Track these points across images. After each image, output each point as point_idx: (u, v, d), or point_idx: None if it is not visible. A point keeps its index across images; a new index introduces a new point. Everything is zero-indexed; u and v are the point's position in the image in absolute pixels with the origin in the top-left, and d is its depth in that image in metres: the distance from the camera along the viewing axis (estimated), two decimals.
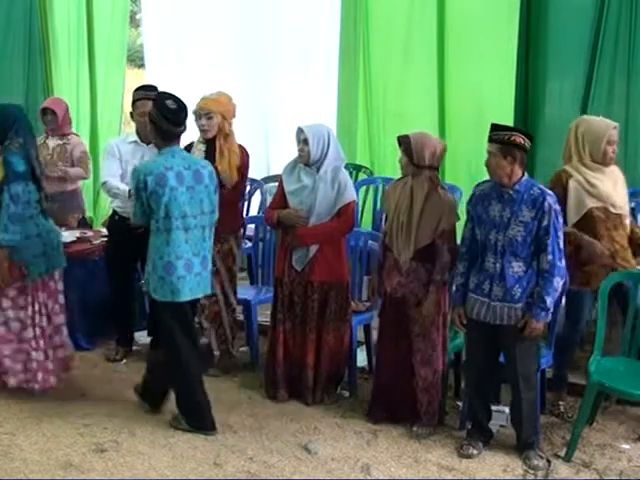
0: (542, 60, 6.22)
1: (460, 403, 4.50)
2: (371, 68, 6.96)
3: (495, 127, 3.92)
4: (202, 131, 4.79)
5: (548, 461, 4.03)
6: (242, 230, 5.18)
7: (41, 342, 4.60)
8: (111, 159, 5.14)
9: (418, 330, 4.22)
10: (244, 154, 4.88)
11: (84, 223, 6.22)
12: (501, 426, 4.32)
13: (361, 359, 5.00)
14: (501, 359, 4.11)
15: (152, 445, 4.14)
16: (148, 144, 5.06)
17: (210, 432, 4.26)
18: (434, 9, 6.55)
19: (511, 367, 4.03)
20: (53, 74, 7.74)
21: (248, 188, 6.32)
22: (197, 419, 4.28)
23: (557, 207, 3.87)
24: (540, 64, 6.23)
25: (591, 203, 4.29)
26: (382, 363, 4.41)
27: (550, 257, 3.84)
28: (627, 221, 4.44)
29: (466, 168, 6.30)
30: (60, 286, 4.71)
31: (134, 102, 5.12)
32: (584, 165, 4.35)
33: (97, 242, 5.54)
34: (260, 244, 5.58)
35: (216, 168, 4.74)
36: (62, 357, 4.72)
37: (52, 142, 5.94)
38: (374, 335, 4.73)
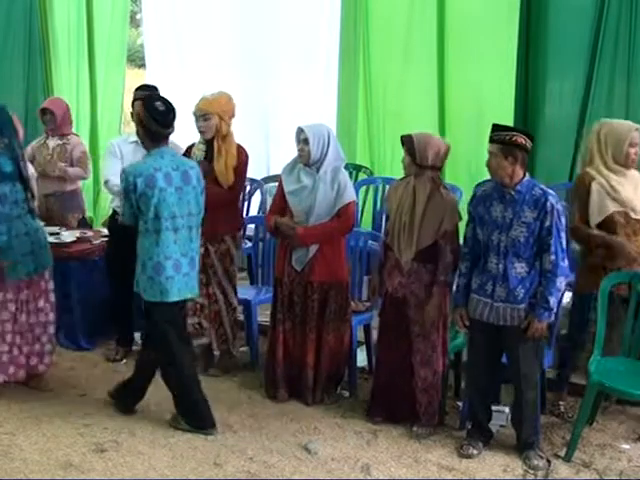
0: (542, 60, 6.22)
1: (460, 403, 4.50)
2: (371, 68, 6.96)
3: (496, 127, 3.92)
4: (200, 132, 4.81)
5: (548, 461, 4.03)
6: (241, 230, 5.17)
7: (17, 338, 4.60)
8: (113, 158, 5.14)
9: (418, 331, 4.22)
10: (242, 154, 4.87)
11: (84, 223, 6.22)
12: (501, 426, 4.32)
13: (361, 359, 5.00)
14: (504, 359, 4.11)
15: (152, 445, 4.14)
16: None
17: (210, 431, 4.26)
18: (434, 9, 6.55)
19: (514, 367, 4.02)
20: (53, 74, 7.74)
21: (248, 188, 6.34)
22: (196, 418, 4.28)
23: (559, 207, 3.87)
24: (540, 64, 6.23)
25: (613, 207, 4.26)
26: (382, 363, 4.41)
27: (553, 257, 3.83)
28: None
29: (466, 168, 6.30)
30: (51, 285, 4.71)
31: (134, 102, 5.11)
32: (607, 168, 4.32)
33: (97, 242, 5.54)
34: (260, 244, 5.58)
35: (213, 168, 4.77)
36: (40, 352, 4.70)
37: (52, 142, 5.94)
38: (374, 335, 4.73)
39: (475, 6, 6.48)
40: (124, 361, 5.26)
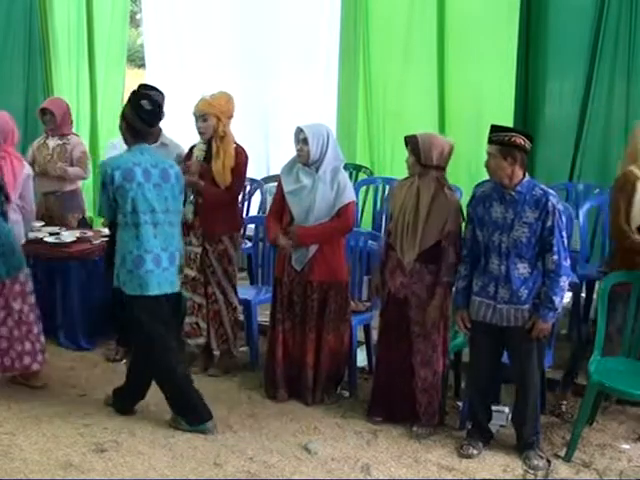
0: (542, 60, 6.23)
1: (460, 403, 4.50)
2: (371, 68, 6.96)
3: (495, 128, 3.91)
4: (199, 133, 4.83)
5: (548, 461, 4.02)
6: (240, 231, 5.17)
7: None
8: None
9: (419, 331, 4.22)
10: (242, 155, 4.86)
11: (84, 223, 6.22)
12: (501, 426, 4.32)
13: (361, 359, 5.00)
14: (504, 359, 4.11)
15: (152, 445, 4.14)
16: (150, 144, 5.05)
17: (209, 424, 4.26)
18: (434, 9, 6.56)
19: (516, 367, 4.02)
20: (53, 74, 7.75)
21: (248, 188, 6.34)
22: (192, 414, 4.28)
23: (560, 207, 3.87)
24: (540, 64, 6.24)
25: None
26: (382, 363, 4.40)
27: (556, 257, 3.83)
28: None
29: (466, 168, 6.30)
30: (28, 287, 4.65)
31: None
32: None
33: (97, 242, 5.54)
34: (260, 244, 5.58)
35: (211, 168, 4.77)
36: (31, 351, 4.67)
37: (52, 142, 5.94)
38: (374, 335, 4.73)
39: (475, 6, 6.48)
40: (124, 361, 5.25)
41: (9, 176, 4.67)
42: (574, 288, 5.03)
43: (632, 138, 4.47)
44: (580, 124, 6.15)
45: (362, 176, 6.93)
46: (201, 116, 4.76)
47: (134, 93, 4.30)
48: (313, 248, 4.50)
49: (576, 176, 6.22)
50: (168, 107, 5.24)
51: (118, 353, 5.29)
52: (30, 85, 7.81)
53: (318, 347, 4.57)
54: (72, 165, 5.95)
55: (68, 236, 5.48)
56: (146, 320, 4.19)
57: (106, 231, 5.60)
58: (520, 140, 3.85)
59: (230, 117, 4.81)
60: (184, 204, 4.84)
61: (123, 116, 4.18)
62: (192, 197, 4.87)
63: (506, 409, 4.32)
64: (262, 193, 6.54)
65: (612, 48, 5.97)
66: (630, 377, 4.09)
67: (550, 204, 3.82)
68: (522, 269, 3.89)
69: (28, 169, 4.89)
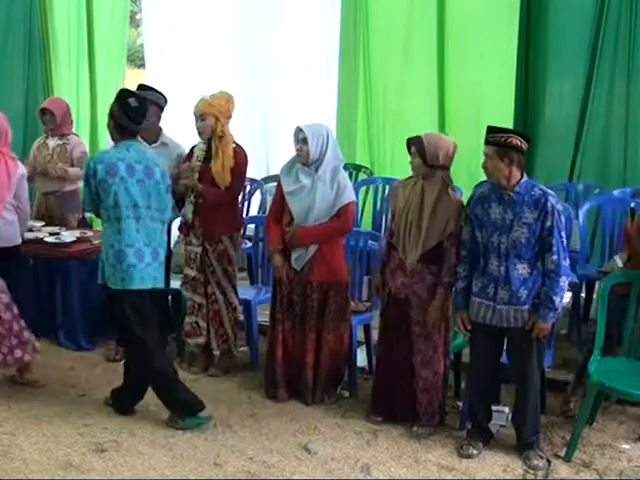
0: (542, 60, 6.24)
1: (460, 403, 4.50)
2: (371, 68, 6.97)
3: (491, 129, 3.91)
4: (198, 133, 4.84)
5: (548, 461, 4.02)
6: (240, 231, 5.16)
7: None
8: None
9: (419, 331, 4.22)
10: (241, 155, 4.86)
11: (84, 223, 6.22)
12: (501, 426, 4.32)
13: (361, 359, 5.00)
14: (503, 359, 4.11)
15: (152, 445, 4.14)
16: (150, 144, 5.07)
17: (202, 415, 4.29)
18: (434, 9, 6.56)
19: (516, 368, 4.02)
20: (53, 74, 7.74)
21: (248, 188, 6.33)
22: (183, 406, 4.30)
23: (559, 207, 3.86)
24: (540, 64, 6.25)
25: None
26: (382, 363, 4.40)
27: (555, 257, 3.83)
28: None
29: (466, 168, 6.30)
30: None
31: None
32: None
33: (97, 242, 5.52)
34: (260, 244, 5.58)
35: (210, 169, 4.77)
36: (19, 344, 4.66)
37: (52, 142, 5.94)
38: (374, 335, 4.73)
39: (475, 6, 6.49)
40: (124, 361, 5.25)
41: (3, 176, 4.67)
42: (574, 288, 5.04)
43: None
44: (580, 124, 6.16)
45: (362, 176, 6.93)
46: (200, 116, 4.78)
47: (121, 91, 4.37)
48: (313, 248, 4.50)
49: (576, 176, 6.22)
50: (168, 107, 5.26)
51: (118, 353, 5.29)
52: (30, 85, 7.81)
53: (318, 347, 4.57)
54: (72, 165, 5.95)
55: (68, 236, 5.48)
56: (131, 314, 4.22)
57: None
58: (517, 141, 3.85)
59: (229, 117, 4.81)
60: (178, 204, 4.86)
61: (111, 114, 4.25)
62: (192, 197, 4.87)
63: (506, 409, 4.32)
64: (262, 193, 6.54)
65: (612, 48, 5.97)
66: (630, 377, 4.09)
67: (549, 204, 3.82)
68: (521, 270, 3.89)
69: (22, 169, 4.89)
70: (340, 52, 7.02)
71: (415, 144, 4.16)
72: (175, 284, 5.23)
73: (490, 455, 4.10)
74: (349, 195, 4.51)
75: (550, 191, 3.92)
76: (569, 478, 3.93)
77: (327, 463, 4.02)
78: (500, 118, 5.75)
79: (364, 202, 6.73)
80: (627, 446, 4.22)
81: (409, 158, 4.24)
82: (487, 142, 3.89)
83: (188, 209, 4.88)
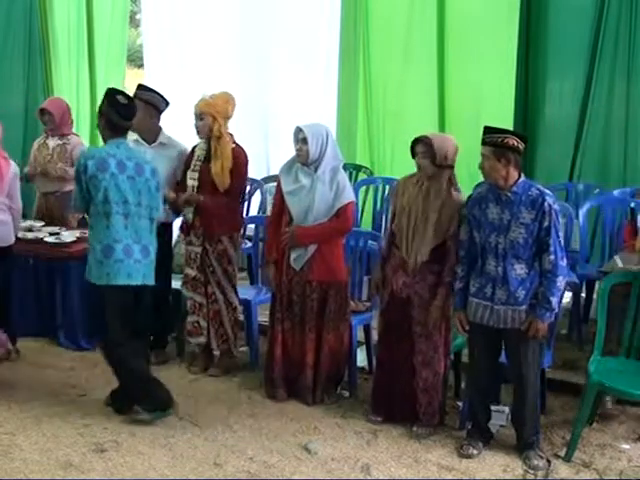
0: (542, 60, 6.24)
1: (460, 403, 4.50)
2: (371, 68, 6.97)
3: (488, 130, 3.90)
4: (196, 132, 4.84)
5: (548, 461, 4.02)
6: (240, 231, 5.16)
7: None
8: None
9: (421, 331, 4.21)
10: (241, 156, 4.85)
11: (84, 223, 6.19)
12: (501, 426, 4.32)
13: (361, 359, 5.00)
14: (502, 359, 4.11)
15: (152, 445, 4.14)
16: (150, 143, 5.07)
17: (169, 411, 4.31)
18: (434, 9, 6.56)
19: (514, 368, 4.02)
20: (53, 74, 7.75)
21: (248, 188, 6.32)
22: (156, 405, 4.32)
23: (557, 207, 3.86)
24: (540, 64, 6.25)
25: None
26: (383, 363, 4.40)
27: (552, 257, 3.83)
28: None
29: (466, 168, 6.28)
30: None
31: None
32: None
33: None
34: (260, 244, 5.58)
35: (210, 169, 4.77)
36: None
37: (52, 142, 5.94)
38: (374, 335, 4.73)
39: (475, 6, 6.49)
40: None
41: None
42: (574, 288, 5.03)
43: None
44: (580, 124, 6.15)
45: (362, 176, 6.93)
46: (199, 115, 4.78)
47: (109, 90, 4.40)
48: (312, 248, 4.50)
49: (576, 176, 6.22)
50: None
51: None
52: (30, 85, 7.82)
53: (318, 347, 4.57)
54: (72, 165, 5.94)
55: (68, 236, 5.48)
56: (109, 310, 4.24)
57: None
58: (513, 141, 3.84)
59: (227, 118, 4.80)
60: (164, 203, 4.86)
61: (100, 112, 4.28)
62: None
63: (506, 409, 4.32)
64: (262, 193, 6.54)
65: (612, 48, 5.97)
66: (630, 377, 4.08)
67: (546, 204, 3.82)
68: (519, 270, 3.89)
69: (15, 168, 4.90)
70: (340, 52, 7.01)
71: (424, 145, 4.13)
72: (176, 284, 5.23)
73: (490, 455, 4.10)
74: (348, 195, 4.51)
75: (547, 191, 3.92)
76: (569, 478, 3.93)
77: (327, 463, 4.02)
78: (500, 118, 5.75)
79: (364, 202, 6.73)
80: (627, 446, 4.22)
81: (411, 158, 4.22)
82: (484, 143, 3.88)
83: (188, 209, 4.88)
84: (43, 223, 5.79)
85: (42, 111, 5.96)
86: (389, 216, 4.65)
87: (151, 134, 5.09)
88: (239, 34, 7.66)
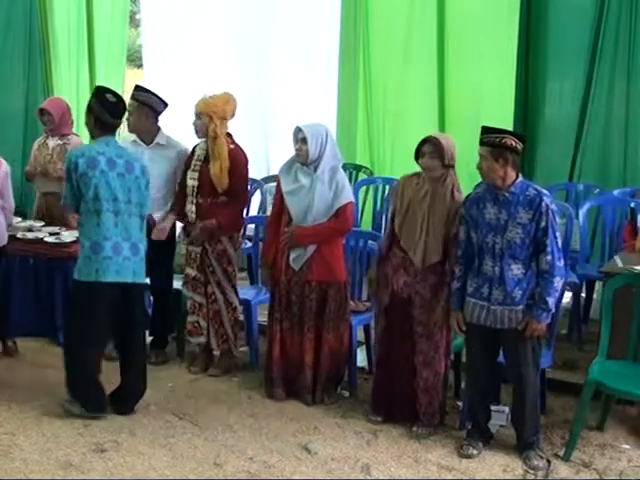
0: (542, 60, 6.24)
1: (460, 403, 4.50)
2: (371, 68, 6.97)
3: (486, 130, 3.90)
4: (194, 131, 4.85)
5: (548, 461, 4.02)
6: (240, 231, 5.16)
7: None
8: None
9: (422, 331, 4.21)
10: (240, 156, 4.84)
11: None
12: (501, 426, 4.32)
13: (361, 359, 5.00)
14: (501, 359, 4.11)
15: (152, 445, 4.14)
16: (148, 144, 5.07)
17: (100, 414, 4.33)
18: (434, 9, 6.56)
19: (512, 368, 4.02)
20: (53, 74, 7.75)
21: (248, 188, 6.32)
22: (87, 399, 4.35)
23: (554, 207, 3.86)
24: (540, 64, 6.25)
25: None
26: (384, 362, 4.39)
27: (549, 257, 3.82)
28: None
29: (466, 168, 6.28)
30: None
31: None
32: None
33: None
34: (260, 244, 5.58)
35: (209, 170, 4.76)
36: None
37: (52, 142, 5.93)
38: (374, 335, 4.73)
39: (475, 6, 6.49)
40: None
41: None
42: (574, 288, 5.03)
43: None
44: (580, 124, 6.16)
45: (362, 176, 6.93)
46: (197, 114, 4.80)
47: (97, 88, 4.45)
48: (311, 248, 4.50)
49: (576, 176, 6.22)
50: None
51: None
52: (30, 85, 7.82)
53: (318, 347, 4.57)
54: None
55: (68, 236, 5.47)
56: (87, 306, 4.24)
57: None
58: (511, 141, 3.84)
59: (223, 118, 4.77)
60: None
61: (89, 110, 4.30)
62: (192, 198, 4.87)
63: (506, 409, 4.32)
64: (262, 193, 6.54)
65: (612, 48, 5.97)
66: (630, 378, 4.08)
67: (544, 204, 3.81)
68: (516, 270, 3.88)
69: (6, 167, 4.91)
70: (340, 52, 7.01)
71: (432, 145, 4.12)
72: (177, 284, 5.23)
73: (490, 455, 4.10)
74: (347, 195, 4.50)
75: (545, 191, 3.92)
76: (569, 478, 3.92)
77: (327, 463, 4.01)
78: (500, 118, 5.76)
79: (364, 202, 6.73)
80: (627, 446, 4.22)
81: (411, 158, 4.22)
82: (482, 143, 3.88)
83: (189, 209, 4.88)
84: (43, 223, 5.79)
85: (41, 111, 5.96)
86: (389, 216, 4.65)
87: (149, 135, 5.09)
88: (239, 34, 7.66)
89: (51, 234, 5.56)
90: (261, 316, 5.24)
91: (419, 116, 6.73)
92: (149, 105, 5.04)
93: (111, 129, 4.31)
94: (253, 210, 6.62)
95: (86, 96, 7.80)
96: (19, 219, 5.83)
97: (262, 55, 7.62)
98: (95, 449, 4.08)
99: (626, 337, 4.22)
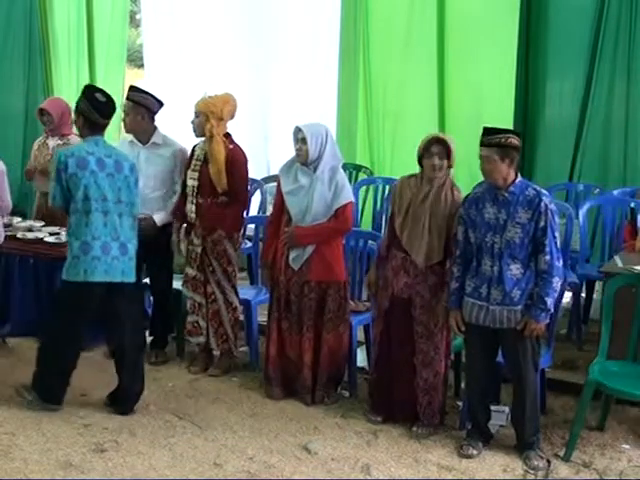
0: (542, 60, 6.24)
1: (460, 403, 4.50)
2: (371, 68, 6.96)
3: (489, 131, 3.88)
4: (193, 129, 4.85)
5: (548, 461, 4.02)
6: (240, 231, 5.15)
7: None
8: None
9: (422, 331, 4.21)
10: (239, 156, 4.82)
11: None
12: (501, 426, 4.32)
13: (361, 359, 5.00)
14: (500, 359, 4.11)
15: (152, 445, 4.14)
16: (144, 144, 5.07)
17: (54, 406, 4.37)
18: (434, 9, 6.56)
19: (511, 368, 4.02)
20: (53, 74, 7.75)
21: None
22: (44, 390, 4.37)
23: (553, 207, 3.86)
24: (540, 64, 6.25)
25: None
26: (384, 363, 4.39)
27: (548, 257, 3.82)
28: None
29: (466, 168, 6.30)
30: None
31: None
32: None
33: None
34: (260, 244, 5.57)
35: (209, 170, 4.77)
36: None
37: (52, 142, 5.94)
38: None
39: (475, 6, 6.49)
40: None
41: None
42: (574, 288, 5.03)
43: None
44: (580, 124, 6.16)
45: (362, 176, 6.93)
46: (195, 113, 4.81)
47: (87, 87, 4.44)
48: (310, 248, 4.50)
49: (576, 176, 6.22)
50: (166, 107, 5.26)
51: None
52: (30, 85, 7.82)
53: (317, 347, 4.57)
54: None
55: None
56: (75, 306, 4.26)
57: None
58: (515, 140, 3.85)
59: (220, 119, 4.76)
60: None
61: (78, 110, 4.30)
62: (192, 198, 4.87)
63: (506, 409, 4.32)
64: (262, 193, 6.54)
65: (612, 48, 5.97)
66: (630, 378, 4.08)
67: (543, 204, 3.81)
68: (515, 270, 3.88)
69: (1, 165, 4.91)
70: (340, 52, 7.01)
71: (441, 145, 4.11)
72: (177, 284, 5.23)
73: (490, 455, 4.10)
74: (347, 196, 4.50)
75: (544, 191, 3.92)
76: (569, 478, 3.93)
77: (327, 463, 4.01)
78: (500, 118, 5.76)
79: (364, 202, 6.73)
80: (627, 446, 4.22)
81: (411, 158, 4.22)
82: (486, 144, 3.86)
83: (190, 209, 4.88)
84: (43, 223, 5.79)
85: (41, 111, 5.96)
86: (388, 216, 4.65)
87: (145, 135, 5.09)
88: (239, 34, 7.67)
89: (51, 234, 5.56)
90: (261, 316, 5.23)
91: (419, 116, 6.73)
92: (144, 105, 5.04)
93: (100, 129, 4.31)
94: (253, 210, 6.62)
95: None
96: (19, 219, 5.84)
97: (262, 55, 7.63)
98: (95, 449, 4.08)
99: (626, 337, 4.23)
